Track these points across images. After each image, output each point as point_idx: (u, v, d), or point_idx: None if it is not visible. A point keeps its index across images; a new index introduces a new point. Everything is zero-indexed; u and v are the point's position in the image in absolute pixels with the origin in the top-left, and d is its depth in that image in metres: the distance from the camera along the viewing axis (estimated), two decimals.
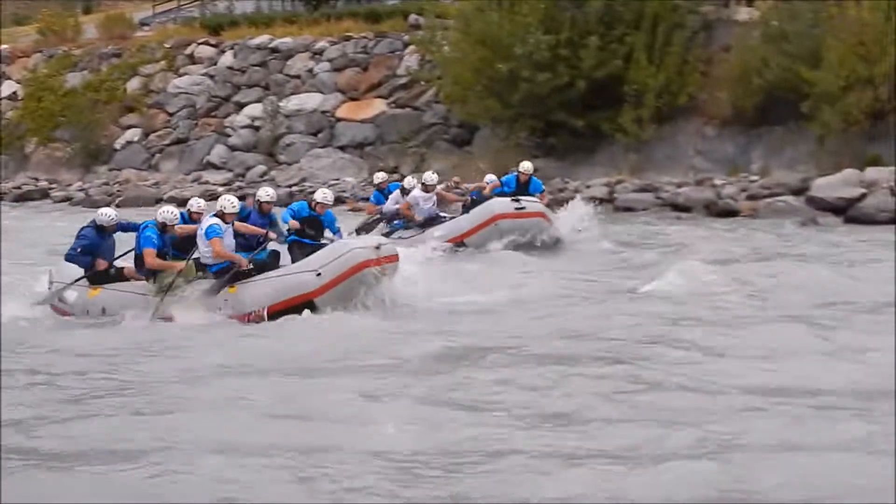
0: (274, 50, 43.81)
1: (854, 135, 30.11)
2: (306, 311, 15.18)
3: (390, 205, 23.16)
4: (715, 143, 33.34)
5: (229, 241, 15.92)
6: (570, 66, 34.04)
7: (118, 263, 16.90)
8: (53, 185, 43.09)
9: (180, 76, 45.01)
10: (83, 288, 16.77)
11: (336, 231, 18.18)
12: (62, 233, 22.08)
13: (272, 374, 11.91)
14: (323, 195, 18.20)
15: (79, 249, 16.66)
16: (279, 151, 41.14)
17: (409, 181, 24.10)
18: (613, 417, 9.85)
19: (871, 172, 28.28)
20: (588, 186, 32.48)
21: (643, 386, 10.82)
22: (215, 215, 15.95)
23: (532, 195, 23.04)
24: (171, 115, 43.95)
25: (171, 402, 10.87)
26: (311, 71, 42.49)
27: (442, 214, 23.01)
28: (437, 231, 22.44)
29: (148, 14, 56.38)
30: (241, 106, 43.00)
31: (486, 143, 36.66)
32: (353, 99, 41.19)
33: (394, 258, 15.76)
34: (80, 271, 16.97)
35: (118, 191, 40.66)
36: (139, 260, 16.07)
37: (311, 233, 17.76)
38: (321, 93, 41.77)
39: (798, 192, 28.96)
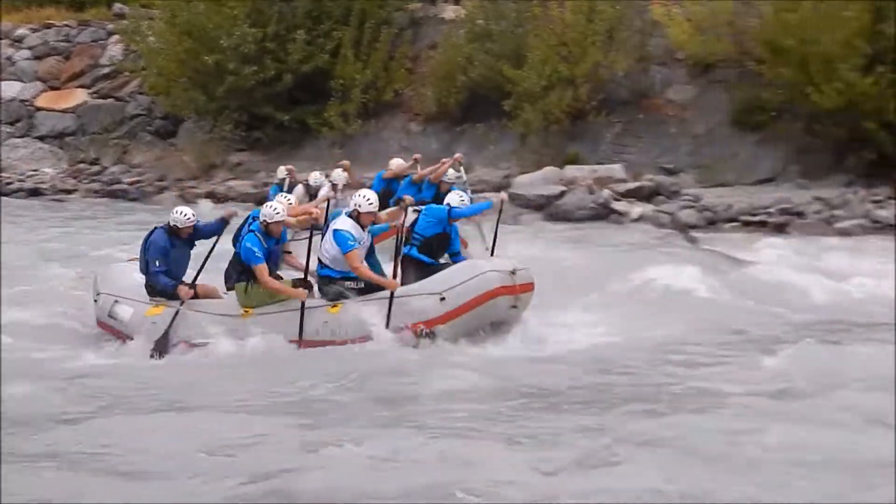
0: None
1: (555, 133, 30.10)
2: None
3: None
4: (420, 139, 32.80)
5: (362, 253, 13.00)
6: (277, 59, 33.26)
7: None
8: None
9: None
10: (140, 303, 13.54)
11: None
12: None
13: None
14: (460, 199, 14.18)
15: (157, 262, 13.32)
16: None
17: (315, 177, 20.43)
18: None
19: (571, 170, 28.28)
20: None
21: None
22: (350, 215, 13.00)
23: None
24: None
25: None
26: (9, 59, 40.06)
27: None
28: None
29: None
30: None
31: (191, 135, 35.38)
32: (53, 88, 39.05)
33: (529, 287, 13.16)
34: (132, 274, 13.82)
35: None
36: (244, 272, 12.98)
37: (437, 250, 13.98)
38: (20, 81, 39.38)
39: (500, 188, 28.55)
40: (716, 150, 29.08)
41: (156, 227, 13.69)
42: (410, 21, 35.23)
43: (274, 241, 13.12)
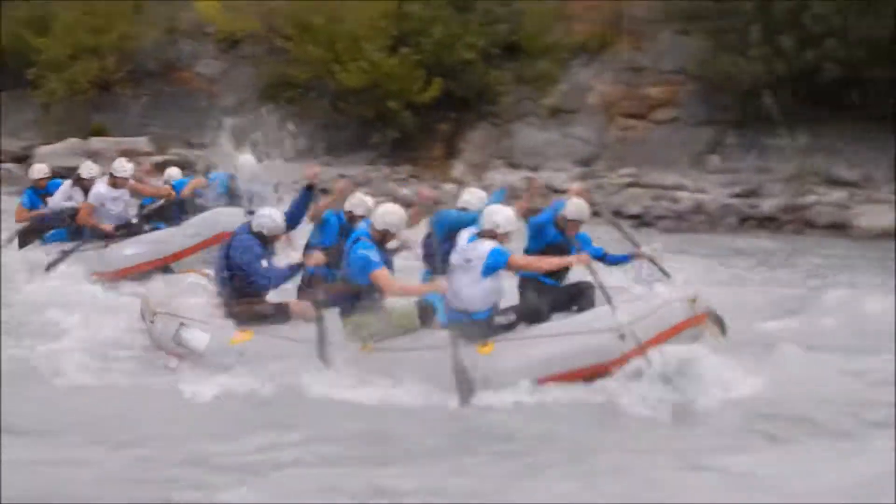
0: None
1: (80, 104, 29.10)
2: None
3: (59, 200, 15.25)
4: None
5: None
6: None
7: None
8: None
9: None
10: (220, 329, 10.42)
11: (606, 257, 11.34)
12: None
13: None
14: (578, 210, 10.94)
15: (263, 263, 10.18)
16: None
17: (87, 168, 15.67)
18: None
19: (96, 142, 27.50)
20: None
21: None
22: (484, 233, 9.75)
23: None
24: None
25: None
26: None
27: (135, 221, 15.31)
28: (130, 247, 14.58)
29: None
30: None
31: None
32: None
33: (704, 318, 10.22)
34: (195, 290, 11.04)
35: None
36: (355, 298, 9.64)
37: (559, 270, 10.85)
38: None
39: (20, 159, 27.54)
40: (244, 126, 28.54)
41: (233, 236, 10.52)
42: None
43: (385, 256, 9.89)
